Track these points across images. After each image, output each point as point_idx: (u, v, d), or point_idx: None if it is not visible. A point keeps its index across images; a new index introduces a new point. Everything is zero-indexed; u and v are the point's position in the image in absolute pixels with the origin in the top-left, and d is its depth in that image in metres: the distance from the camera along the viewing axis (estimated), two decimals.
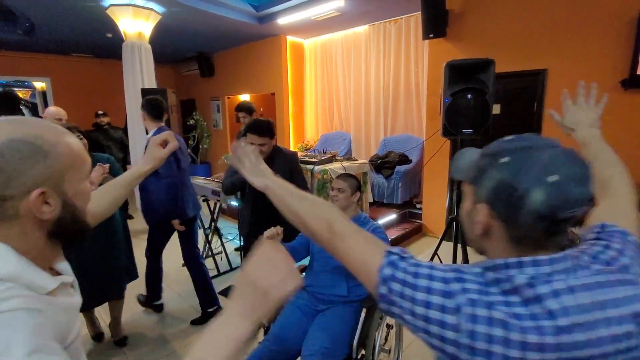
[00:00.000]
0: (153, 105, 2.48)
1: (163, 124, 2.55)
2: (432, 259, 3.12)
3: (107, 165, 2.09)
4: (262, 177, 0.87)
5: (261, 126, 2.04)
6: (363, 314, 1.64)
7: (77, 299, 0.71)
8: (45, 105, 7.31)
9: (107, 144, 4.77)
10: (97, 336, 2.47)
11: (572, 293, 0.54)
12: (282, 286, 0.54)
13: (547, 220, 0.57)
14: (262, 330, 2.49)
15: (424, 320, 0.57)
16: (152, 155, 1.03)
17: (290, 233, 1.85)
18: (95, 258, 2.12)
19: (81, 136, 2.04)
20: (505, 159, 0.61)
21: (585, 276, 0.56)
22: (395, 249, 0.66)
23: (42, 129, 0.59)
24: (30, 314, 0.52)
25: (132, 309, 2.82)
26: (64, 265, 0.72)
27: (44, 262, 0.63)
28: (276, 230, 1.65)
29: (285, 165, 2.20)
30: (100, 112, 4.93)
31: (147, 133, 2.57)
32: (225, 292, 3.07)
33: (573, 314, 0.52)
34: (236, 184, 2.19)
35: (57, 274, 0.68)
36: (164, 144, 1.05)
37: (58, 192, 0.59)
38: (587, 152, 0.94)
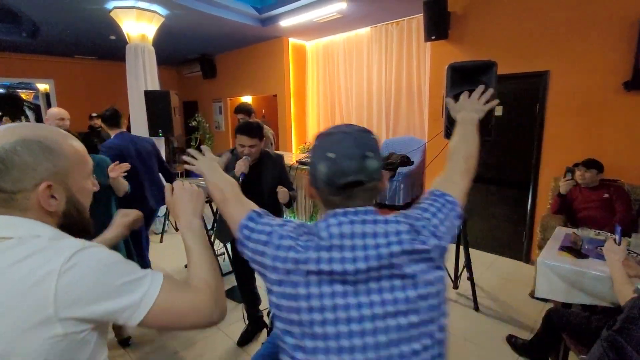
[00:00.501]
0: (109, 116, 2.80)
1: (123, 129, 2.87)
2: None
3: (125, 165, 2.17)
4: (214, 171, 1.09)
5: (251, 128, 2.07)
6: None
7: None
8: (49, 106, 7.35)
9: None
10: None
11: (339, 226, 0.75)
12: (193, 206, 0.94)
13: (331, 186, 0.77)
14: (264, 331, 2.50)
15: (253, 253, 0.80)
16: (116, 223, 1.10)
17: None
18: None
19: None
20: (315, 142, 0.84)
21: (355, 218, 0.76)
22: (258, 210, 0.90)
23: (49, 131, 0.67)
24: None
25: None
26: None
27: None
28: None
29: (275, 168, 2.25)
30: (94, 115, 4.95)
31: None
32: (228, 293, 3.07)
33: (334, 237, 0.74)
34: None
35: None
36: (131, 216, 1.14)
37: (63, 187, 0.67)
38: (457, 129, 1.12)
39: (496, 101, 1.27)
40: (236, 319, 2.66)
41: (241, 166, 2.00)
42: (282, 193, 2.11)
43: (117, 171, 2.12)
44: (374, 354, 0.68)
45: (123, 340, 2.45)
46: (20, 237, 0.60)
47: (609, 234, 2.35)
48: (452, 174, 0.98)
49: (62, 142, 0.67)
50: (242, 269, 2.38)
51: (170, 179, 3.30)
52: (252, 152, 2.07)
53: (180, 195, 0.93)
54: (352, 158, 0.76)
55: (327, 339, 0.69)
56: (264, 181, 2.17)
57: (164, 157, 3.56)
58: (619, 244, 1.83)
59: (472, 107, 1.18)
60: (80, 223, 0.72)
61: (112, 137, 2.80)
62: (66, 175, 0.66)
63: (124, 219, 1.11)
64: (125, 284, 0.62)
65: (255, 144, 2.07)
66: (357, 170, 0.76)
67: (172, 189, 0.96)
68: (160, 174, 3.10)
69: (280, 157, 2.35)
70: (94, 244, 0.64)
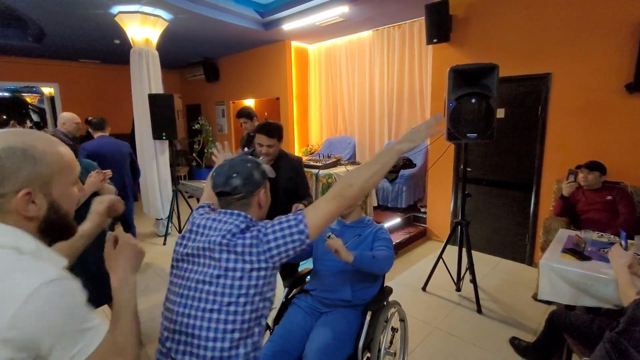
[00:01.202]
0: (95, 122, 3.49)
1: (105, 133, 3.49)
2: (436, 262, 3.12)
3: (107, 172, 2.08)
4: None
5: (270, 128, 2.10)
6: (368, 317, 1.65)
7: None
8: (53, 110, 7.42)
9: None
10: None
11: (199, 216, 1.18)
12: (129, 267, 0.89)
13: (215, 194, 1.19)
14: (267, 332, 2.50)
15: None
16: (92, 212, 1.11)
17: None
18: (98, 262, 2.11)
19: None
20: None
21: (211, 216, 1.17)
22: (205, 204, 1.30)
23: (37, 139, 0.69)
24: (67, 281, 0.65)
25: None
26: None
27: None
28: None
29: (291, 170, 2.24)
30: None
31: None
32: None
33: (190, 227, 1.16)
34: None
35: None
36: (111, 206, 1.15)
37: (44, 193, 0.69)
38: (375, 156, 1.19)
39: (439, 132, 1.40)
40: None
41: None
42: (295, 209, 2.02)
43: (98, 177, 2.00)
44: (188, 301, 1.05)
45: None
46: (2, 246, 0.63)
47: (613, 236, 2.34)
48: (321, 198, 1.10)
49: (48, 149, 0.69)
50: None
51: (137, 176, 3.70)
52: (269, 152, 2.11)
53: (124, 250, 0.90)
54: (221, 176, 1.16)
55: (170, 285, 1.13)
56: (279, 182, 2.16)
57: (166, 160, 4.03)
58: (626, 249, 1.83)
59: (410, 137, 1.16)
60: (61, 227, 0.74)
61: (94, 139, 3.41)
62: (48, 182, 0.68)
63: (99, 206, 1.11)
64: (77, 332, 0.64)
65: (273, 144, 2.10)
66: (223, 184, 1.15)
67: (115, 240, 0.92)
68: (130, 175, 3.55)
69: (298, 160, 2.35)
70: (66, 276, 0.65)
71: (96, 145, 3.31)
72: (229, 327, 1.00)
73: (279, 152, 2.24)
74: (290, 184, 2.20)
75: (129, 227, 3.51)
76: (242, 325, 1.02)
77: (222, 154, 1.54)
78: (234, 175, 1.14)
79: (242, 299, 1.02)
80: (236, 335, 1.01)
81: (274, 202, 2.12)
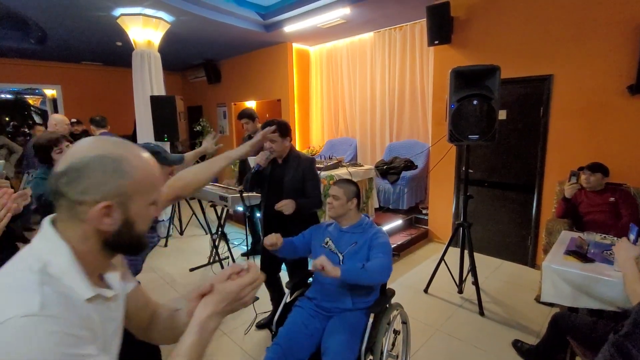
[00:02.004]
0: (98, 120, 3.90)
1: (106, 130, 3.92)
2: (438, 264, 3.11)
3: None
4: None
5: (272, 123, 2.16)
6: (371, 320, 1.64)
7: (116, 314, 0.75)
8: (56, 111, 7.44)
9: None
10: None
11: None
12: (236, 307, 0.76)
13: None
14: (270, 334, 2.50)
15: None
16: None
17: (298, 230, 1.99)
18: None
19: (69, 145, 2.16)
20: None
21: None
22: None
23: (131, 153, 0.68)
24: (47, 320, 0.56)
25: None
26: (113, 277, 0.75)
27: (95, 269, 0.69)
28: (276, 238, 1.77)
29: (300, 169, 2.25)
30: (73, 120, 5.01)
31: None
32: None
33: None
34: (249, 179, 2.34)
35: (104, 284, 0.73)
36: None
37: (123, 209, 0.66)
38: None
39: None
40: (240, 323, 2.67)
41: (258, 158, 2.17)
42: (285, 205, 2.09)
43: None
44: None
45: None
46: (33, 255, 0.62)
47: (616, 238, 2.33)
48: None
49: (139, 166, 0.67)
50: (270, 263, 2.38)
51: None
52: (272, 147, 2.17)
53: (239, 290, 0.75)
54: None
55: None
56: (285, 180, 2.24)
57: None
58: (634, 242, 1.80)
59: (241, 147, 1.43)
60: (130, 245, 0.71)
61: (98, 133, 3.78)
62: (129, 198, 0.66)
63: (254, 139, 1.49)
64: None
65: (274, 139, 2.16)
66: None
67: (238, 272, 0.78)
68: None
69: (309, 160, 2.35)
70: (53, 315, 0.56)
71: None
72: None
73: (291, 151, 2.28)
74: (298, 183, 2.23)
75: None
76: None
77: (205, 142, 1.62)
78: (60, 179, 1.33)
79: None
80: None
81: (280, 199, 2.18)
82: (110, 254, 0.70)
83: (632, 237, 1.89)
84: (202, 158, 2.36)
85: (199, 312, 0.71)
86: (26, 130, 8.15)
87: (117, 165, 0.64)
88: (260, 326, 2.63)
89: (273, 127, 1.76)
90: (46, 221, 0.67)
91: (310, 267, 1.43)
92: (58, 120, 3.61)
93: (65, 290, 0.61)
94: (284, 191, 2.21)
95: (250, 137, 3.64)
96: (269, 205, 2.26)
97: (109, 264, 0.74)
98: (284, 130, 2.19)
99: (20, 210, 1.46)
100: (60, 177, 0.63)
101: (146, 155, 0.71)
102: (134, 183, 0.66)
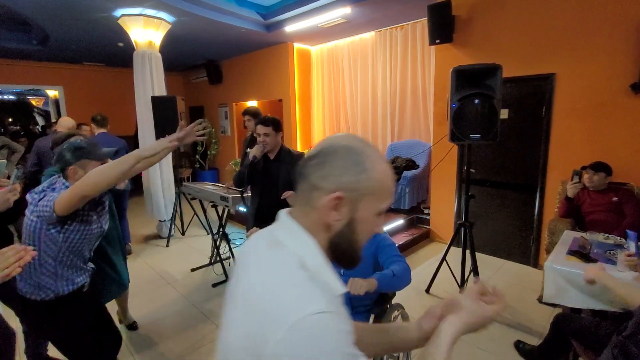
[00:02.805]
0: (99, 119, 3.98)
1: (105, 130, 3.97)
2: (440, 264, 3.10)
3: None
4: None
5: (265, 118, 2.40)
6: (371, 321, 1.63)
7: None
8: (58, 112, 7.48)
9: None
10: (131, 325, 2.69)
11: None
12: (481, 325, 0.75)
13: None
14: None
15: None
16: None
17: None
18: (116, 253, 2.41)
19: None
20: None
21: None
22: None
23: (373, 152, 0.67)
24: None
25: (136, 315, 2.85)
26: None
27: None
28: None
29: (291, 163, 2.39)
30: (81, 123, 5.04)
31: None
32: None
33: None
34: (245, 172, 2.44)
35: None
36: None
37: (351, 207, 0.64)
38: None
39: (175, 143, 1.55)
40: None
41: (254, 150, 2.36)
42: (291, 196, 2.24)
43: None
44: None
45: (130, 325, 2.65)
46: (289, 250, 0.63)
47: (619, 237, 2.32)
48: (71, 187, 1.40)
49: (378, 166, 0.65)
50: None
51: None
52: (266, 141, 2.34)
53: (476, 312, 0.76)
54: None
55: None
56: (280, 176, 2.37)
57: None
58: (635, 251, 1.80)
59: (145, 146, 1.47)
60: (345, 251, 0.67)
61: (95, 135, 3.89)
62: (362, 197, 0.64)
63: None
64: None
65: (268, 133, 2.33)
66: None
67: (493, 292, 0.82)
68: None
69: (301, 154, 2.48)
70: (337, 311, 0.56)
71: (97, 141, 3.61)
72: None
73: (282, 147, 2.45)
74: (291, 179, 2.29)
75: (122, 218, 3.82)
76: None
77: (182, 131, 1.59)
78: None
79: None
80: None
81: (276, 194, 2.23)
82: (328, 257, 0.67)
83: (631, 244, 1.88)
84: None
85: (449, 328, 0.69)
86: (36, 129, 8.20)
87: (360, 159, 0.63)
88: None
89: (200, 121, 1.67)
90: (283, 213, 0.68)
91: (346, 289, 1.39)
92: (68, 123, 3.86)
93: (326, 286, 0.61)
94: (279, 185, 2.33)
95: (252, 137, 3.66)
96: (263, 200, 2.42)
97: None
98: (277, 125, 2.38)
99: (11, 205, 1.51)
100: (310, 159, 0.65)
101: (384, 157, 0.69)
102: (370, 182, 0.64)
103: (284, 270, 0.60)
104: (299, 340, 0.52)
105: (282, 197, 2.21)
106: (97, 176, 1.38)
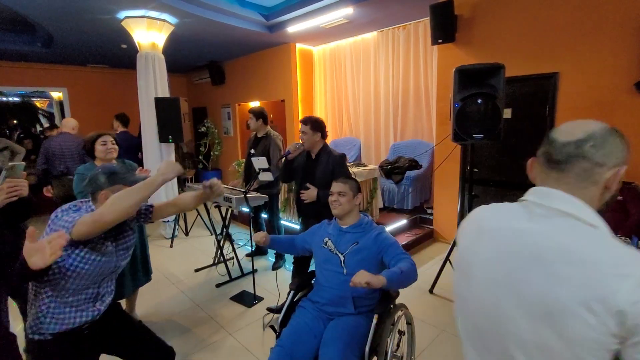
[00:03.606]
0: (123, 118, 4.50)
1: (126, 129, 4.53)
2: (444, 264, 3.09)
3: (146, 170, 2.71)
4: None
5: (305, 117, 2.51)
6: (375, 321, 1.63)
7: None
8: (62, 114, 7.53)
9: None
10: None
11: None
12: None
13: None
14: (274, 336, 2.50)
15: None
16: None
17: (329, 215, 1.97)
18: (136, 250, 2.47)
19: (114, 142, 2.42)
20: None
21: None
22: None
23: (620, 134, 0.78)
24: None
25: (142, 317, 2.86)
26: None
27: None
28: (261, 236, 1.86)
29: (328, 163, 2.45)
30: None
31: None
32: (238, 298, 3.09)
33: None
34: (282, 169, 2.64)
35: None
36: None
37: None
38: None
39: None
40: (245, 323, 2.68)
41: (290, 146, 2.51)
42: (307, 194, 2.40)
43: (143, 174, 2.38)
44: None
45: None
46: (581, 219, 0.70)
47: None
48: (88, 215, 1.30)
49: (627, 144, 0.78)
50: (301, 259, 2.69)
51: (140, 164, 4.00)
52: (304, 139, 2.47)
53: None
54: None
55: None
56: (316, 175, 2.45)
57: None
58: None
59: (164, 169, 1.39)
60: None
61: (117, 132, 4.23)
62: (623, 167, 0.76)
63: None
64: None
65: (305, 131, 2.45)
66: None
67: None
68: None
69: (338, 157, 2.51)
70: None
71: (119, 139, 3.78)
72: None
73: (323, 147, 2.53)
74: (327, 177, 2.36)
75: None
76: None
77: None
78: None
79: None
80: None
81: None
82: None
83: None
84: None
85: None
86: (42, 132, 8.25)
87: (625, 141, 0.76)
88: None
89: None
90: (557, 191, 0.74)
91: (350, 284, 1.38)
92: (75, 124, 4.29)
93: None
94: (315, 183, 2.43)
95: (256, 137, 3.68)
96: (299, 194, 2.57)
97: None
98: (315, 125, 2.46)
99: (26, 194, 1.52)
100: (583, 142, 0.73)
101: None
102: (627, 157, 0.76)
103: (594, 233, 0.69)
104: None
105: (300, 197, 2.38)
106: (121, 200, 1.28)
